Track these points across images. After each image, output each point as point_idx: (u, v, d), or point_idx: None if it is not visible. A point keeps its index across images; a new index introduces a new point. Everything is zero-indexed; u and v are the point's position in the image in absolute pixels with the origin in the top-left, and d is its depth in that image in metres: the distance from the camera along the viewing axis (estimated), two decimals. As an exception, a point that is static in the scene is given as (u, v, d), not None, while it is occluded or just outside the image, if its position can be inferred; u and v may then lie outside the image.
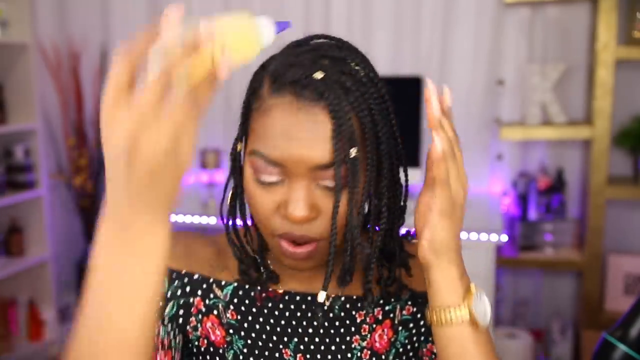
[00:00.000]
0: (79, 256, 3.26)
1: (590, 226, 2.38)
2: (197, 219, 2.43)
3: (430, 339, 0.83)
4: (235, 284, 0.80)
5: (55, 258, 3.02)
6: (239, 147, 0.74)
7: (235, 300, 0.80)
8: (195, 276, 0.80)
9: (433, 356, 0.81)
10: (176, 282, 0.79)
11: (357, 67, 0.69)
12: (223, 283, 0.80)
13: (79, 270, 3.22)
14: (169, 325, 0.77)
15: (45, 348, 2.91)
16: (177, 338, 0.78)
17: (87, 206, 3.15)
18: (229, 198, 0.78)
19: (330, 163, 0.66)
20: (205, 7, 3.00)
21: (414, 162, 2.57)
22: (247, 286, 0.79)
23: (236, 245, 0.77)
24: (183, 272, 0.80)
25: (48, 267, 2.91)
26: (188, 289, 0.79)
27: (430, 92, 0.67)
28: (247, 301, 0.79)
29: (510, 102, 2.68)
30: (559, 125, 2.43)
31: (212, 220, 2.44)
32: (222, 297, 0.80)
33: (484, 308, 0.67)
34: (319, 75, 0.66)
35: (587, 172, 2.45)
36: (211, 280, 0.80)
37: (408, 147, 2.55)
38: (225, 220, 0.78)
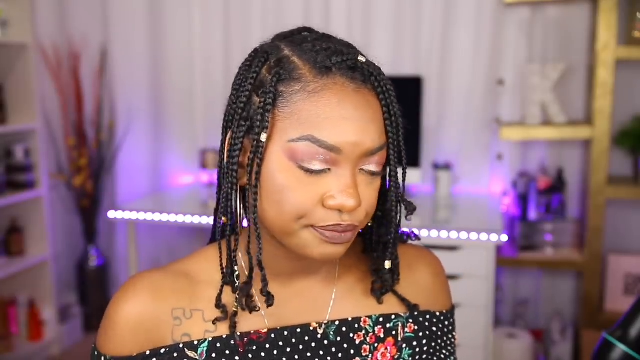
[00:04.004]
0: (79, 256, 3.26)
1: (590, 226, 2.38)
2: (197, 219, 2.43)
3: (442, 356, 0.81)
4: (210, 339, 0.73)
5: (55, 258, 3.02)
6: (262, 137, 0.66)
7: (214, 355, 0.72)
8: (162, 350, 0.72)
9: None
10: None
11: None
12: (196, 343, 0.72)
13: (79, 270, 3.22)
14: None
15: (45, 348, 2.91)
16: None
17: (87, 206, 3.15)
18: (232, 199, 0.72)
19: (379, 147, 0.67)
20: (205, 7, 3.00)
21: (414, 162, 2.57)
22: (224, 336, 0.72)
23: (229, 268, 0.73)
24: (147, 353, 0.72)
25: (48, 267, 2.91)
26: None
27: None
28: (227, 352, 0.72)
29: (510, 102, 2.68)
30: (559, 125, 2.43)
31: (212, 220, 2.43)
32: (198, 357, 0.72)
33: None
34: (362, 58, 0.67)
35: (587, 172, 2.45)
36: (181, 345, 0.72)
37: (408, 148, 2.54)
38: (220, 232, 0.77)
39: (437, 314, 0.82)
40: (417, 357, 0.80)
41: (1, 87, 2.78)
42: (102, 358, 0.73)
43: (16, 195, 2.75)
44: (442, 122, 2.73)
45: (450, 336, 0.83)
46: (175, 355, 0.72)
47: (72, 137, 3.13)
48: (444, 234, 2.15)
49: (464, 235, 2.13)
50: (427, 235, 2.16)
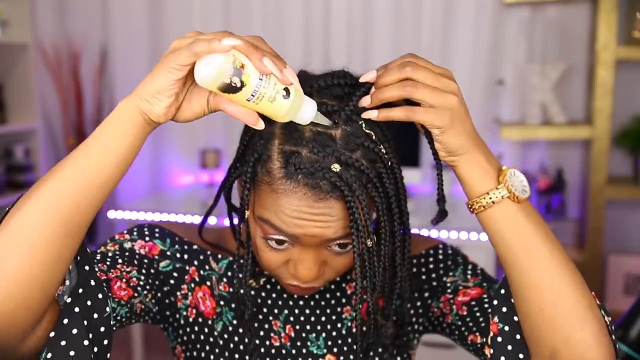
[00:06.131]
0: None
1: (590, 226, 2.38)
2: (197, 219, 2.43)
3: (439, 294, 0.82)
4: (231, 258, 0.84)
5: (55, 258, 3.02)
6: (245, 214, 0.72)
7: (229, 274, 0.83)
8: (195, 246, 0.83)
9: (451, 301, 0.81)
10: (176, 246, 0.82)
11: (367, 131, 0.67)
12: (219, 257, 0.84)
13: (79, 270, 3.22)
14: (151, 278, 0.77)
15: (45, 348, 2.90)
16: (149, 294, 0.77)
17: (87, 206, 3.15)
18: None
19: (344, 236, 0.68)
20: (205, 7, 3.00)
21: (414, 162, 2.57)
22: (241, 260, 0.79)
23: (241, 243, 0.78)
24: (185, 239, 0.83)
25: (48, 267, 2.91)
26: (186, 256, 0.82)
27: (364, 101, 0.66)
28: (240, 275, 0.81)
29: (510, 102, 2.68)
30: (559, 125, 2.43)
31: (212, 220, 2.44)
32: (216, 269, 0.83)
33: (520, 182, 0.66)
34: (335, 167, 0.64)
35: (587, 172, 2.46)
36: (208, 252, 0.84)
37: (408, 147, 2.55)
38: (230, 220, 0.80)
39: (417, 256, 0.87)
40: (409, 305, 0.84)
41: (1, 87, 2.78)
42: (146, 225, 0.83)
43: (16, 195, 2.74)
44: (442, 122, 2.72)
45: (440, 265, 0.85)
46: (201, 257, 0.83)
47: (72, 137, 3.13)
48: (444, 234, 2.15)
49: (464, 235, 2.13)
50: (427, 235, 2.16)
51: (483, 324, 0.75)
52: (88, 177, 0.60)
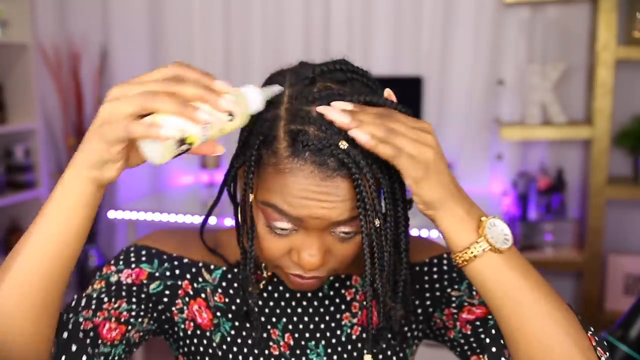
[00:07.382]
0: (78, 256, 3.25)
1: (590, 226, 2.38)
2: (197, 219, 2.43)
3: (443, 306, 0.82)
4: (225, 268, 0.82)
5: (55, 258, 3.02)
6: (249, 197, 0.71)
7: (224, 284, 0.82)
8: (185, 260, 0.82)
9: (455, 316, 0.80)
10: (165, 264, 0.81)
11: None
12: (212, 267, 0.82)
13: (79, 271, 3.22)
14: (143, 304, 0.77)
15: (45, 348, 2.91)
16: (144, 319, 0.76)
17: (87, 206, 3.15)
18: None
19: (349, 219, 0.67)
20: (205, 7, 3.00)
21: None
22: (236, 270, 0.80)
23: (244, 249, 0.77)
24: (174, 255, 0.82)
25: (48, 267, 2.91)
26: (177, 272, 0.81)
27: (328, 110, 0.64)
28: (235, 284, 0.81)
29: (510, 102, 2.68)
30: (559, 125, 2.43)
31: (212, 220, 2.43)
32: (210, 280, 0.82)
33: (501, 232, 0.66)
34: (343, 144, 0.64)
35: (587, 172, 2.46)
36: (200, 264, 0.82)
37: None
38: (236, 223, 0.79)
39: (421, 263, 0.85)
40: (410, 312, 0.83)
41: (1, 87, 2.78)
42: (133, 247, 0.82)
43: (16, 195, 2.75)
44: (442, 122, 2.73)
45: (445, 276, 0.84)
46: (194, 270, 0.82)
47: (72, 137, 3.13)
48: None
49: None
50: (428, 235, 2.16)
51: (487, 346, 0.75)
52: (53, 257, 0.62)
